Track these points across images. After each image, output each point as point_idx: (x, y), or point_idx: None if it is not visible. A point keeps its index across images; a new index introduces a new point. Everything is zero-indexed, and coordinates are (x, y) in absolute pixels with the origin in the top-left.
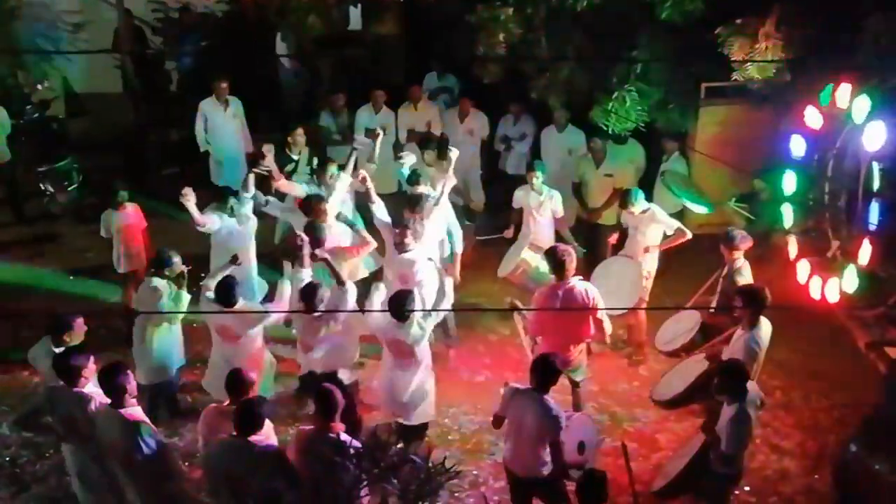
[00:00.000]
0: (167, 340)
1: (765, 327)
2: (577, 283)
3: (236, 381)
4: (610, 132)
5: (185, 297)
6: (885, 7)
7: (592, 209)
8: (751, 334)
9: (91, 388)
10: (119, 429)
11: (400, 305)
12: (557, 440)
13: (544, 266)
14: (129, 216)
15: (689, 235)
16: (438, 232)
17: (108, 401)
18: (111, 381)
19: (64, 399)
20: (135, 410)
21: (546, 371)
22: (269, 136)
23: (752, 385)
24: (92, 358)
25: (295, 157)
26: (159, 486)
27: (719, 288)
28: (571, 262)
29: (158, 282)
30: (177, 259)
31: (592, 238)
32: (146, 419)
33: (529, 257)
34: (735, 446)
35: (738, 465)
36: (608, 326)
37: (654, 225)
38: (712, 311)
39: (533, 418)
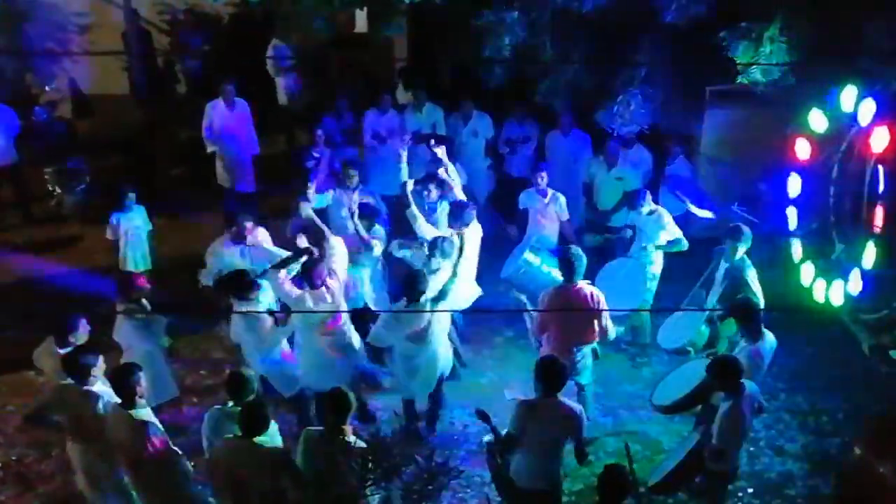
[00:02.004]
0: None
1: (768, 340)
2: (584, 285)
3: (238, 383)
4: (615, 135)
5: (161, 319)
6: (887, 11)
7: (602, 211)
8: (753, 347)
9: (100, 386)
10: (127, 429)
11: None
12: (580, 437)
13: (547, 267)
14: (135, 218)
15: (686, 247)
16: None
17: (117, 400)
18: (122, 382)
19: (73, 397)
20: (144, 411)
21: (553, 374)
22: (275, 137)
23: (750, 385)
24: (101, 357)
25: (317, 156)
26: (166, 486)
27: (721, 279)
28: (581, 265)
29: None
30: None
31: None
32: (155, 420)
33: (532, 258)
34: (726, 441)
35: (731, 462)
36: (612, 330)
37: (659, 227)
38: (715, 311)
39: (552, 425)
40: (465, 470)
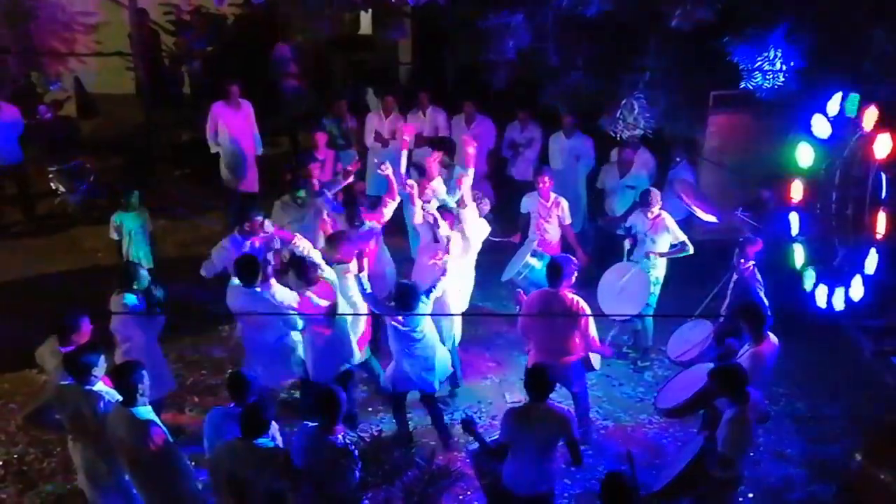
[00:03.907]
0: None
1: (771, 343)
2: (567, 292)
3: (240, 383)
4: (625, 141)
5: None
6: (889, 19)
7: (611, 217)
8: (758, 349)
9: (101, 386)
10: (129, 427)
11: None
12: (573, 437)
13: None
14: (138, 217)
15: (692, 250)
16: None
17: (118, 399)
18: (124, 380)
19: (74, 397)
20: (145, 410)
21: (539, 381)
22: (278, 138)
23: (756, 393)
24: (102, 356)
25: (321, 158)
26: (167, 485)
27: (731, 291)
28: (568, 273)
29: (130, 298)
30: (144, 273)
31: (607, 245)
32: (156, 419)
33: (534, 262)
34: (733, 449)
35: (736, 469)
36: (597, 361)
37: (663, 232)
38: (721, 317)
39: (544, 428)
40: (466, 472)
